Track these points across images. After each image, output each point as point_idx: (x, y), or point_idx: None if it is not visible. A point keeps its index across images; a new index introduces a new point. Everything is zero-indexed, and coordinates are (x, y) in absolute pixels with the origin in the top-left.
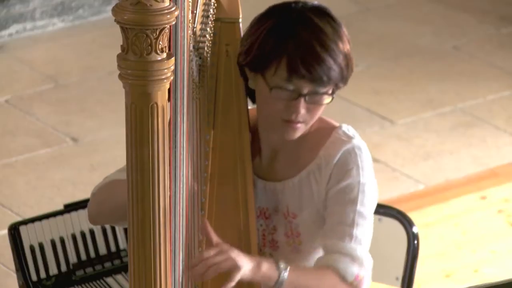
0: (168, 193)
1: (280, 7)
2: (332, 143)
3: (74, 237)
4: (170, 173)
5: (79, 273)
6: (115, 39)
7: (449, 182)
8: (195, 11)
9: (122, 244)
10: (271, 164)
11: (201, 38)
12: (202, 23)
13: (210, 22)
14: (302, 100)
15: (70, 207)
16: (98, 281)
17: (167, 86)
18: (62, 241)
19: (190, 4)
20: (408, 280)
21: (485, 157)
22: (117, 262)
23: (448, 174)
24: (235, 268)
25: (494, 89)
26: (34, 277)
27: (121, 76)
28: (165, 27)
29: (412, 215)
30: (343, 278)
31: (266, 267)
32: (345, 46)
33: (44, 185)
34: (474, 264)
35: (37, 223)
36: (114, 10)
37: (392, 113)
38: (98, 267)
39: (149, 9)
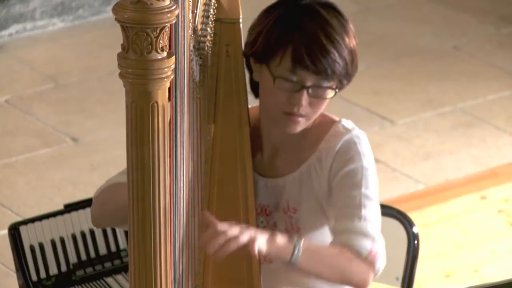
0: (169, 192)
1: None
2: (332, 136)
3: (74, 237)
4: (170, 172)
5: (79, 273)
6: (115, 39)
7: (449, 182)
8: (195, 11)
9: (122, 244)
10: (273, 161)
11: (202, 38)
12: (202, 23)
13: (210, 22)
14: (305, 92)
15: (70, 207)
16: (98, 281)
17: (168, 85)
18: (62, 241)
19: (191, 3)
20: (408, 280)
21: (485, 157)
22: (117, 262)
23: (448, 174)
24: (253, 240)
25: (494, 89)
26: (34, 277)
27: (121, 75)
28: (166, 25)
29: (412, 215)
30: (357, 253)
31: (281, 239)
32: (351, 42)
33: (44, 185)
34: (474, 264)
35: (37, 223)
36: (115, 9)
37: (392, 113)
38: (98, 267)
39: (149, 8)
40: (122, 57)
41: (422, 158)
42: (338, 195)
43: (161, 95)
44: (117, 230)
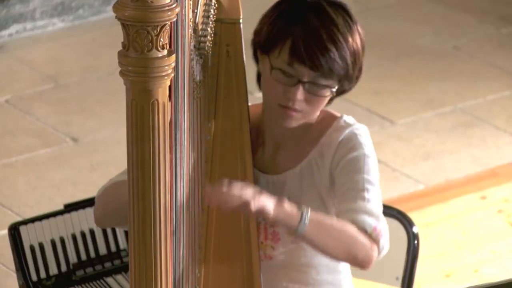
0: (169, 190)
1: None
2: (334, 131)
3: (74, 237)
4: (170, 170)
5: (79, 273)
6: (115, 39)
7: (449, 182)
8: (196, 11)
9: (122, 244)
10: (274, 157)
11: (202, 38)
12: (203, 23)
13: (210, 22)
14: (300, 87)
15: (70, 207)
16: (98, 281)
17: (168, 83)
18: (62, 241)
19: (191, 3)
20: (408, 280)
21: (485, 157)
22: (117, 262)
23: (448, 174)
24: (257, 199)
25: (494, 89)
26: (34, 277)
27: (122, 73)
28: (166, 23)
29: (412, 215)
30: (362, 229)
31: (288, 205)
32: (355, 43)
33: (44, 185)
34: (474, 264)
35: (37, 223)
36: (115, 7)
37: (392, 113)
38: (98, 267)
39: (150, 6)
40: (122, 55)
41: (422, 158)
42: (341, 182)
43: (162, 93)
44: (117, 230)
